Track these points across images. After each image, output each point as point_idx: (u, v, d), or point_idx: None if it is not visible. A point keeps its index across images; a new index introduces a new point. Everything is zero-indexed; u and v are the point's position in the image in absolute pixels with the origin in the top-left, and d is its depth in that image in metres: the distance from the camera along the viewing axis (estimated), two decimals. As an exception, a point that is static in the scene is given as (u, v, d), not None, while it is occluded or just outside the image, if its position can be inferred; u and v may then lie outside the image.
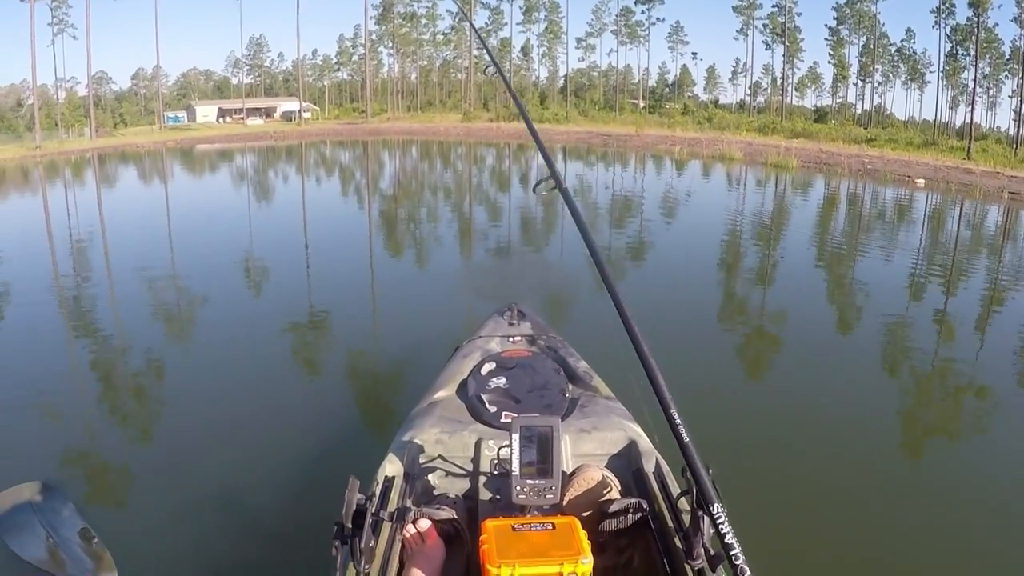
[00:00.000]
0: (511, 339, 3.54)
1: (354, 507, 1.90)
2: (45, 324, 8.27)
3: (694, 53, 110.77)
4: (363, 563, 1.88)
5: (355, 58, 79.16)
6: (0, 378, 6.45)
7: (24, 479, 4.42)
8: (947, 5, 48.85)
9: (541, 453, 2.05)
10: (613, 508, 2.22)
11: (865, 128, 47.10)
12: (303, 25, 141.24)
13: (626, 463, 2.59)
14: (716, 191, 21.86)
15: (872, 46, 60.66)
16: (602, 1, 72.07)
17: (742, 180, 24.02)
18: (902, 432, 5.53)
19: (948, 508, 4.26)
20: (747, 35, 65.00)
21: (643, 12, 70.14)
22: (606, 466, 2.54)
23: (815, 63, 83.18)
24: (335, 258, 11.78)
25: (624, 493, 2.38)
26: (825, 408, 5.66)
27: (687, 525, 2.00)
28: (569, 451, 2.52)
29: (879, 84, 64.01)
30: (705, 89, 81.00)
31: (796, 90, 68.60)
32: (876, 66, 61.70)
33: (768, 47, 63.87)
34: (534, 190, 2.60)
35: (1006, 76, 54.64)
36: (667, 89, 78.09)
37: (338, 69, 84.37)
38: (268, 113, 72.90)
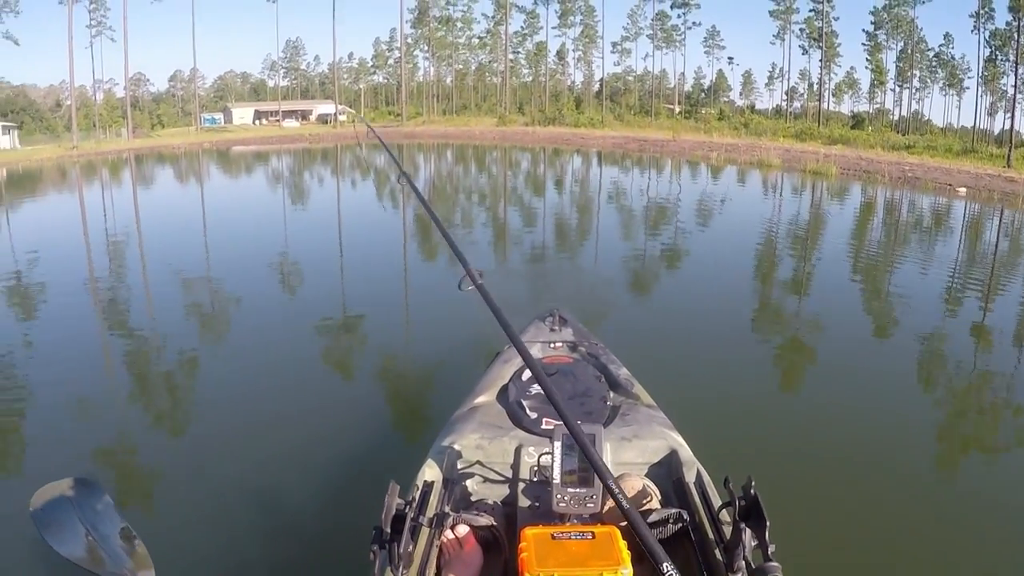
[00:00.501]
0: (552, 345, 3.51)
1: (393, 512, 1.88)
2: (81, 322, 8.41)
3: (730, 58, 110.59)
4: (401, 568, 1.87)
5: (391, 61, 79.82)
6: (37, 375, 6.55)
7: (58, 474, 4.49)
8: (986, 9, 48.02)
9: (582, 461, 2.03)
10: (653, 518, 2.19)
11: (903, 135, 46.36)
12: (339, 28, 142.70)
13: (667, 472, 2.55)
14: (756, 198, 21.55)
15: (910, 51, 59.78)
16: (638, 5, 71.94)
17: (781, 187, 23.69)
18: (939, 445, 5.39)
19: (986, 523, 4.14)
20: (783, 40, 64.37)
21: (679, 16, 69.97)
22: (646, 475, 2.51)
23: (852, 68, 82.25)
24: (369, 260, 11.86)
25: (664, 503, 2.35)
26: (859, 420, 5.53)
27: (728, 537, 1.96)
28: (610, 459, 2.49)
29: (917, 90, 63.07)
30: (741, 94, 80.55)
31: (833, 96, 67.82)
32: (914, 71, 60.82)
33: (805, 52, 63.30)
34: (459, 287, 2.53)
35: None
36: (703, 94, 77.64)
37: (374, 72, 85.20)
38: (304, 116, 73.70)
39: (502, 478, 2.52)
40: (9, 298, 9.50)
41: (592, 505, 2.02)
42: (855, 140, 39.98)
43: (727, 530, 2.02)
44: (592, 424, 2.12)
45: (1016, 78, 40.58)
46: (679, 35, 71.00)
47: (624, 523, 2.20)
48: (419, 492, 2.23)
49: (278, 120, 70.31)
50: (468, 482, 2.53)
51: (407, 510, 1.95)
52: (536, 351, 3.46)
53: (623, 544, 1.80)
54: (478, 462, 2.58)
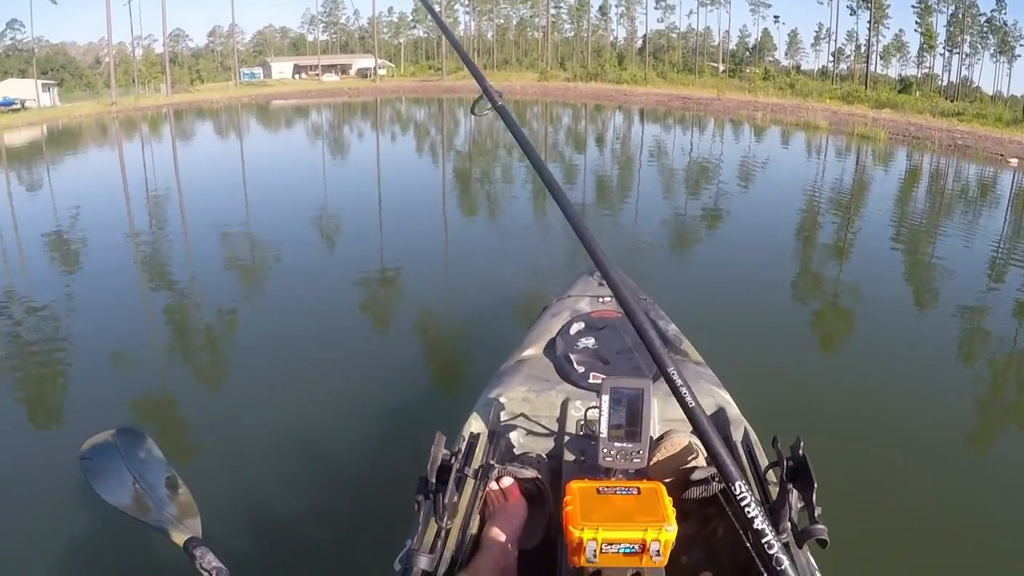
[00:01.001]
0: (601, 299, 3.44)
1: (439, 462, 1.85)
2: (122, 275, 8.48)
3: (776, 16, 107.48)
4: (445, 518, 1.85)
5: (431, 16, 78.95)
6: (79, 327, 6.63)
7: (101, 424, 4.55)
8: (1040, -25, 45.98)
9: (630, 416, 1.97)
10: (698, 475, 2.13)
11: (952, 101, 44.80)
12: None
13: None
14: (804, 160, 20.95)
15: (961, 15, 57.70)
16: (683, -40, 70.12)
17: (830, 150, 23.01)
18: (978, 418, 5.24)
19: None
20: (831, -1, 62.50)
21: (725, -28, 68.14)
22: (692, 432, 2.45)
23: (900, 31, 79.49)
24: (410, 215, 11.80)
25: (710, 461, 2.29)
26: (898, 387, 5.39)
27: (774, 498, 1.91)
28: (656, 415, 2.44)
29: (966, 56, 60.92)
30: (786, 54, 78.63)
31: (880, 58, 65.76)
32: (964, 36, 58.67)
33: (853, 12, 61.49)
34: (472, 111, 2.43)
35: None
36: (747, 53, 75.87)
37: (414, 27, 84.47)
38: (344, 70, 73.54)
39: (548, 431, 2.48)
40: (52, 252, 9.63)
41: (638, 460, 1.97)
42: (903, 104, 38.59)
43: (773, 491, 1.96)
44: (641, 379, 2.06)
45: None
46: (725, -9, 69.34)
47: (669, 479, 2.15)
48: (465, 443, 2.19)
49: (317, 74, 70.25)
50: (513, 434, 2.48)
51: (453, 461, 1.91)
52: (584, 305, 3.40)
53: (668, 501, 1.75)
54: (524, 415, 2.54)
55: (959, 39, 58.72)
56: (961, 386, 5.61)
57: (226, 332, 6.64)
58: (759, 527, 1.96)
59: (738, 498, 2.09)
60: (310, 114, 38.53)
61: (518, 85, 53.41)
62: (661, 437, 2.26)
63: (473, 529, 1.97)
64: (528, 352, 2.99)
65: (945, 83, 60.43)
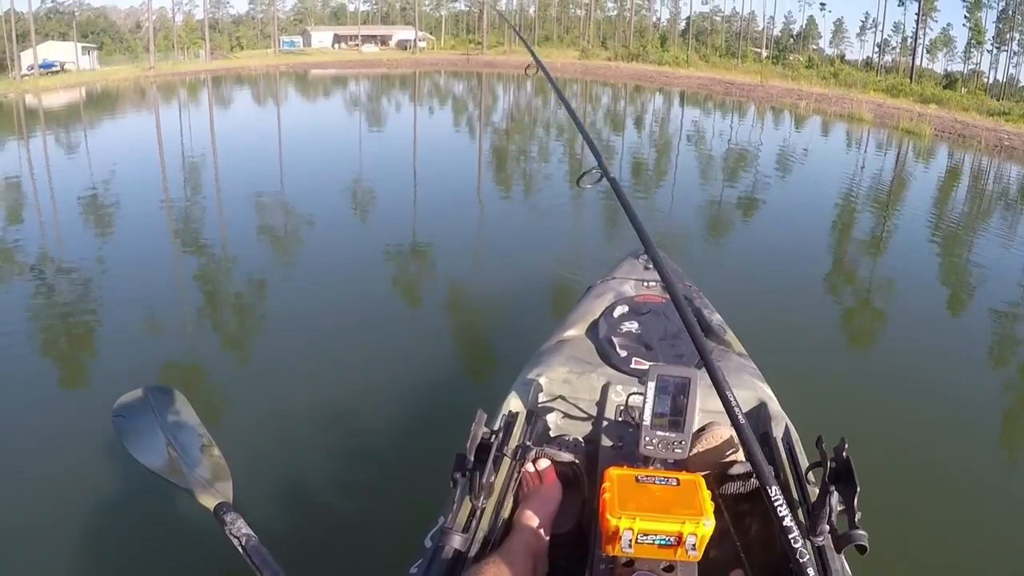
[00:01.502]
0: (645, 284, 3.38)
1: (479, 440, 1.82)
2: (156, 239, 8.55)
3: (822, 4, 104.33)
4: (481, 498, 1.82)
5: (473, -11, 78.57)
6: (111, 290, 6.68)
7: (131, 384, 4.59)
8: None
9: (675, 406, 1.91)
10: (736, 470, 2.08)
11: (997, 100, 43.59)
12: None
13: (753, 425, 2.42)
14: (851, 153, 20.26)
15: (1011, 12, 56.02)
16: (729, -57, 68.95)
17: (875, 144, 22.37)
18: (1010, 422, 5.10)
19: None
20: (879, -12, 61.00)
21: (773, -44, 66.78)
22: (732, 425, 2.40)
23: (948, 24, 77.62)
24: (445, 189, 11.74)
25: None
26: (948, 394, 5.23)
27: (812, 499, 1.86)
28: (697, 406, 2.39)
29: (1015, 54, 59.24)
30: (831, 43, 77.07)
31: (927, 52, 64.23)
32: (1013, 34, 57.02)
33: (901, 3, 59.98)
34: (578, 182, 2.36)
35: None
36: (791, 40, 74.57)
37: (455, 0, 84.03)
38: (383, 41, 73.38)
39: (586, 415, 2.44)
40: (87, 215, 9.70)
41: (680, 451, 1.92)
42: (948, 101, 37.44)
43: (813, 492, 1.90)
44: (686, 367, 2.01)
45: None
46: (772, -24, 68.13)
47: (707, 472, 2.10)
48: (503, 422, 2.16)
49: (357, 45, 70.15)
50: (551, 416, 2.45)
51: (492, 439, 1.88)
52: (628, 288, 3.34)
53: (707, 494, 1.70)
54: (564, 396, 2.50)
55: (1008, 36, 57.16)
56: (988, 391, 5.44)
57: (259, 299, 6.64)
58: (795, 528, 1.91)
59: (773, 497, 2.04)
60: (348, 85, 38.57)
61: (559, 62, 52.96)
62: (702, 429, 2.21)
63: (507, 510, 1.94)
64: (570, 333, 2.94)
65: (991, 81, 58.98)
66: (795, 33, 75.75)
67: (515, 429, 2.17)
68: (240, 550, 2.51)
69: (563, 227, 9.78)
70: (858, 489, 1.68)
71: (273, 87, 36.37)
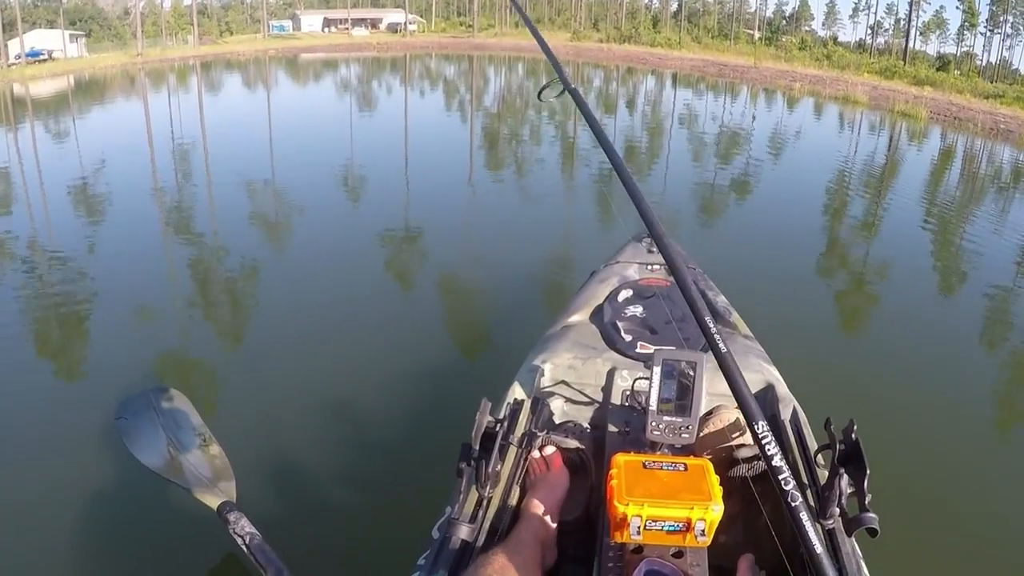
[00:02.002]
0: (649, 267, 3.36)
1: (484, 429, 1.80)
2: (146, 228, 8.44)
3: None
4: (488, 487, 1.80)
5: (464, -30, 78.03)
6: (102, 280, 6.57)
7: (126, 381, 4.52)
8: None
9: (681, 390, 1.90)
10: (743, 454, 2.06)
11: (991, 82, 43.49)
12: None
13: (761, 407, 2.41)
14: (849, 137, 20.00)
15: (1004, -5, 56.06)
16: (720, -77, 68.64)
17: (876, 128, 22.15)
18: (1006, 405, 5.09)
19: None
20: (872, -30, 60.79)
21: (765, -64, 66.56)
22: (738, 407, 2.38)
23: (941, 7, 77.37)
24: (439, 173, 11.67)
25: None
26: (957, 374, 5.22)
27: (822, 482, 1.84)
28: (704, 389, 2.37)
29: (1007, 36, 59.16)
30: (823, 24, 76.94)
31: (920, 34, 64.05)
32: (1006, 16, 56.96)
33: (894, -16, 59.84)
34: (539, 96, 2.34)
35: None
36: (784, 21, 74.36)
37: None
38: (374, 24, 72.90)
39: (592, 401, 2.42)
40: (76, 204, 9.61)
41: (687, 436, 1.91)
42: (942, 83, 37.30)
43: (822, 474, 1.89)
44: (693, 351, 1.99)
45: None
46: (764, -44, 67.79)
47: (714, 456, 2.08)
48: (508, 410, 2.14)
49: (347, 28, 69.67)
50: (557, 402, 2.43)
51: (497, 428, 1.86)
52: (633, 272, 3.31)
53: (715, 479, 1.68)
54: (569, 383, 2.48)
55: (1001, 19, 57.12)
56: (983, 374, 5.40)
57: (257, 291, 6.53)
58: (805, 512, 1.90)
59: (783, 480, 2.03)
60: (338, 69, 38.31)
61: (550, 44, 52.68)
62: (709, 412, 2.19)
63: (514, 499, 1.93)
64: (574, 318, 2.92)
65: (984, 63, 58.99)
66: (787, 15, 75.60)
67: (520, 417, 2.14)
68: (244, 549, 2.51)
69: (561, 211, 9.75)
70: (868, 471, 1.67)
71: (263, 72, 36.10)
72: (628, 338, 2.66)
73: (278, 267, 7.06)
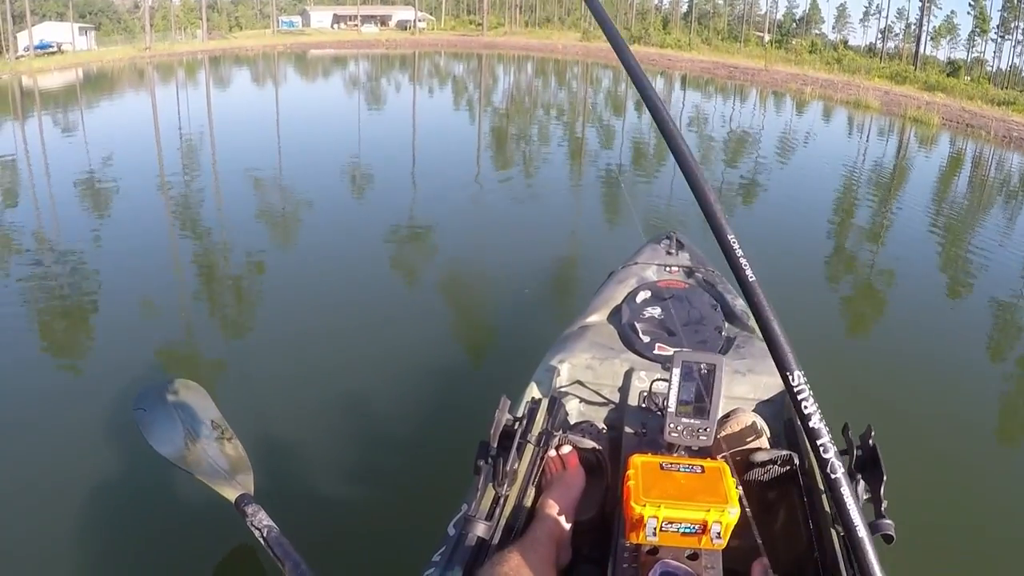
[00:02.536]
0: (668, 269, 3.36)
1: (502, 427, 1.80)
2: (160, 223, 8.46)
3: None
4: (505, 485, 1.79)
5: (474, -31, 78.06)
6: (110, 274, 6.57)
7: (138, 374, 4.54)
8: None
9: (700, 392, 1.89)
10: (760, 457, 2.05)
11: (1005, 88, 43.28)
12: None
13: (778, 411, 2.40)
14: (869, 144, 19.77)
15: (1016, 1, 55.68)
16: (732, -76, 68.55)
17: (889, 133, 21.99)
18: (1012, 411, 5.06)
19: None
20: (884, -26, 60.61)
21: (776, -62, 66.40)
22: (755, 411, 2.37)
23: (952, 12, 77.12)
24: (446, 170, 11.66)
25: (773, 443, 2.21)
26: (977, 382, 5.20)
27: (838, 487, 1.83)
28: (722, 392, 2.37)
29: (1019, 42, 58.89)
30: (834, 28, 76.72)
31: (931, 40, 63.81)
32: (1018, 23, 56.71)
33: (905, -11, 59.65)
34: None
35: None
36: (794, 24, 74.19)
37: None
38: (383, 21, 72.97)
39: (609, 401, 2.42)
40: (86, 198, 9.60)
41: (705, 438, 1.90)
42: (953, 89, 37.03)
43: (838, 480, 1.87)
44: (711, 353, 1.98)
45: None
46: (775, -42, 67.64)
47: (732, 459, 2.08)
48: (527, 409, 2.14)
49: (356, 25, 69.73)
50: (574, 402, 2.43)
51: (515, 426, 1.86)
52: (651, 274, 3.31)
53: (732, 482, 1.67)
54: (587, 382, 2.48)
55: (1012, 24, 56.89)
56: (991, 383, 5.36)
57: (270, 283, 6.52)
58: (821, 516, 1.89)
59: (801, 484, 2.02)
60: (347, 65, 38.34)
61: (559, 44, 52.73)
62: (726, 415, 2.18)
63: (529, 497, 1.92)
64: (592, 318, 2.92)
65: (994, 69, 58.73)
66: (797, 17, 75.39)
67: (538, 415, 2.14)
68: (262, 541, 2.51)
69: (574, 208, 9.74)
70: (885, 477, 1.66)
71: (271, 67, 36.13)
72: (646, 339, 2.66)
73: (293, 262, 7.09)
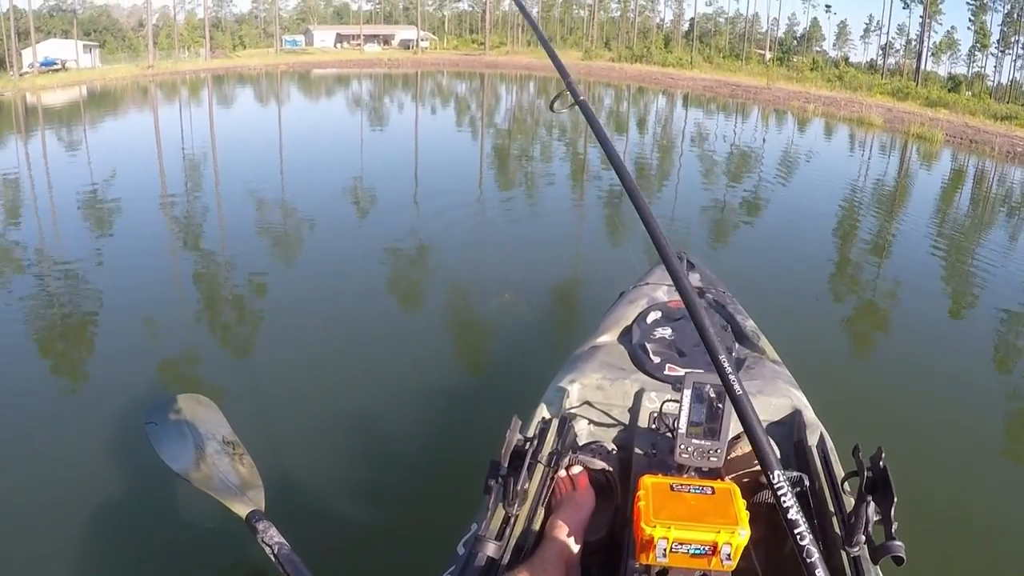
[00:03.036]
0: None
1: (513, 447, 1.80)
2: (157, 240, 8.48)
3: (827, 6, 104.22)
4: (516, 505, 1.79)
5: (476, -11, 78.65)
6: (115, 292, 6.58)
7: (152, 388, 4.58)
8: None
9: (711, 413, 1.89)
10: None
11: (1006, 103, 43.31)
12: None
13: (788, 433, 2.40)
14: (873, 162, 19.55)
15: (1016, 15, 55.93)
16: (733, -57, 69.13)
17: (893, 150, 21.84)
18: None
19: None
20: (885, -10, 60.91)
21: (776, -43, 66.88)
22: (766, 432, 2.37)
23: (952, 27, 77.39)
24: (449, 189, 11.64)
25: (783, 464, 2.20)
26: (988, 408, 5.12)
27: (848, 509, 1.83)
28: (733, 413, 2.37)
29: (1019, 57, 59.09)
30: (835, 45, 77.15)
31: (932, 55, 64.05)
32: (1018, 37, 56.94)
33: (906, 6, 59.80)
34: (551, 108, 2.33)
35: None
36: (795, 42, 74.60)
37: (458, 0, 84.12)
38: (386, 40, 73.43)
39: (619, 422, 2.42)
40: (88, 217, 9.62)
41: (715, 460, 1.90)
42: (955, 104, 36.90)
43: (848, 501, 1.88)
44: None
45: None
46: (776, -23, 68.14)
47: (739, 480, 2.07)
48: (537, 429, 2.14)
49: (359, 44, 70.17)
50: (584, 423, 2.43)
51: (526, 446, 1.86)
52: (662, 294, 3.31)
53: (742, 503, 1.67)
54: (597, 403, 2.48)
55: (1013, 39, 57.12)
56: (996, 398, 5.33)
57: (280, 300, 6.53)
58: (831, 538, 1.88)
59: (811, 505, 2.01)
60: (350, 84, 38.55)
61: (563, 63, 52.94)
62: (736, 437, 2.18)
63: (539, 517, 1.92)
64: (603, 338, 2.92)
65: (995, 84, 58.87)
66: (798, 35, 75.85)
67: (548, 436, 2.14)
68: (272, 558, 2.50)
69: (579, 229, 9.74)
70: (895, 499, 1.66)
71: (274, 86, 36.32)
72: (656, 360, 2.65)
73: (298, 281, 7.09)
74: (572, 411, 2.45)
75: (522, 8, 2.94)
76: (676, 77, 44.83)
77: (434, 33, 76.70)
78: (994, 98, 47.95)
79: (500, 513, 1.80)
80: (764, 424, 2.41)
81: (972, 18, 57.89)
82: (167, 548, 3.21)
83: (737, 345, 2.88)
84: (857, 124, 26.95)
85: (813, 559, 1.86)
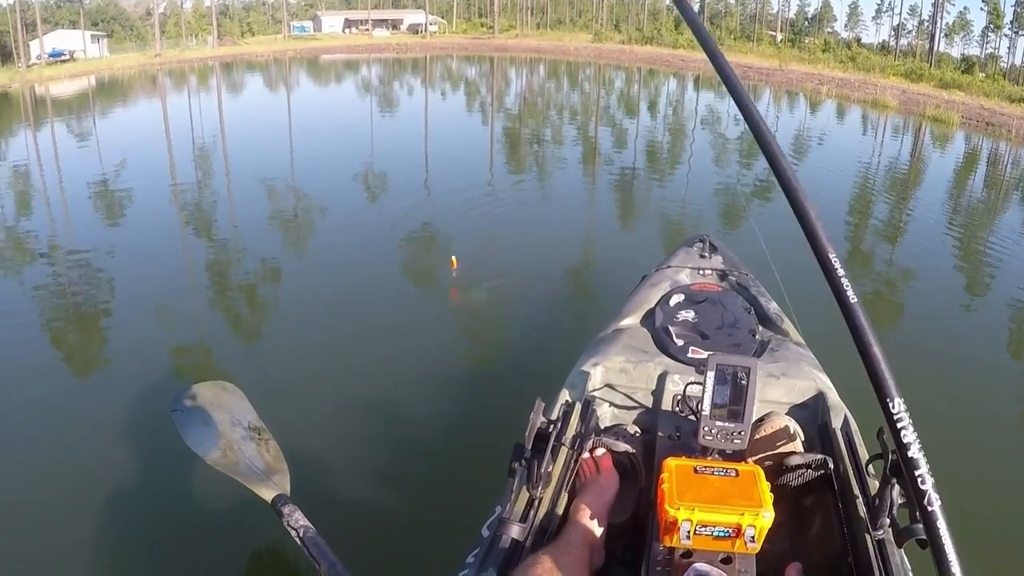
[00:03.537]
0: (701, 272, 3.37)
1: (536, 429, 1.80)
2: (170, 228, 8.56)
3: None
4: (540, 488, 1.79)
5: (485, -28, 78.20)
6: (126, 280, 6.63)
7: (177, 375, 4.64)
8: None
9: (735, 395, 1.88)
10: (794, 461, 2.04)
11: (1020, 85, 42.63)
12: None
13: (812, 415, 2.39)
14: (889, 144, 19.32)
15: (1031, -6, 55.29)
16: (744, -77, 68.39)
17: (908, 132, 21.60)
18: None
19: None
20: (896, -30, 60.18)
21: (788, -63, 66.13)
22: (789, 415, 2.36)
23: (965, 8, 76.35)
24: (462, 173, 11.63)
25: (807, 447, 2.20)
26: (995, 377, 5.17)
27: (872, 492, 1.82)
28: (756, 395, 2.36)
29: (1033, 37, 58.28)
30: (846, 26, 76.32)
31: (945, 36, 63.23)
32: (1032, 17, 56.23)
33: (918, -14, 59.23)
34: None
35: None
36: (806, 23, 73.85)
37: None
38: (395, 25, 73.14)
39: (643, 405, 2.41)
40: (97, 204, 9.69)
41: (739, 442, 1.89)
42: (969, 86, 36.23)
43: (872, 484, 1.86)
44: (745, 357, 1.97)
45: None
46: (787, -43, 67.47)
47: (764, 463, 2.06)
48: (561, 411, 2.13)
49: (368, 29, 69.92)
50: (609, 405, 2.43)
51: (550, 429, 1.86)
52: (684, 277, 3.32)
53: (766, 486, 1.66)
54: (620, 386, 2.47)
55: (1026, 19, 56.46)
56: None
57: (302, 286, 6.55)
58: (855, 521, 1.87)
59: (835, 488, 2.01)
60: (359, 70, 38.47)
61: (571, 46, 52.68)
62: (760, 419, 2.17)
63: (563, 500, 1.92)
64: (626, 321, 2.92)
65: (1008, 65, 58.16)
66: (810, 16, 75.10)
67: (572, 418, 2.14)
68: (298, 541, 2.53)
69: (598, 213, 9.70)
70: (932, 480, 1.64)
71: (283, 73, 36.29)
72: (680, 343, 2.65)
73: (314, 267, 7.13)
74: (595, 394, 2.45)
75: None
76: (687, 59, 44.41)
77: (443, 17, 76.36)
78: (1008, 79, 47.32)
79: (524, 496, 1.80)
80: (788, 406, 2.41)
81: (985, -1, 57.30)
82: (195, 532, 3.26)
83: (760, 327, 2.87)
84: (871, 106, 26.65)
85: (837, 542, 1.86)
